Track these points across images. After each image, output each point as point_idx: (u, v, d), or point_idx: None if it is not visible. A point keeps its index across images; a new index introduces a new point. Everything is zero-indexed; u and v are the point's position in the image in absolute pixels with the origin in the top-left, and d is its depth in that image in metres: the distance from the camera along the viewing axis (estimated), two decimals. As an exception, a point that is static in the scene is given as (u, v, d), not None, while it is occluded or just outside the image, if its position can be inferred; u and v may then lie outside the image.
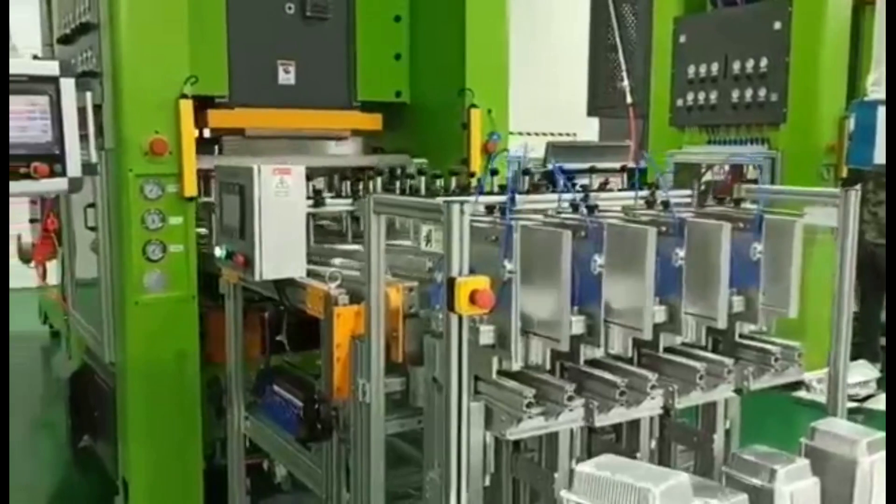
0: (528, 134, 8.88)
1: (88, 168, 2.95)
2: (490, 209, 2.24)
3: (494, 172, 3.37)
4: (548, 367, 2.13)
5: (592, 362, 2.23)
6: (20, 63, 2.77)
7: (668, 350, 2.37)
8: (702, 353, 2.39)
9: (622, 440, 2.53)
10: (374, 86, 4.32)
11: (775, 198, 2.72)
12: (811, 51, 5.48)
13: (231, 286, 3.12)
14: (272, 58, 4.02)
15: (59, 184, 2.87)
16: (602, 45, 7.12)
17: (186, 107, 3.34)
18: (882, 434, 2.22)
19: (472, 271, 1.85)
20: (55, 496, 4.14)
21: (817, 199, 2.61)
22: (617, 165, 3.56)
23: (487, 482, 2.12)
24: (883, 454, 2.18)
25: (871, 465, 2.16)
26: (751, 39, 5.83)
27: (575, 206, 2.56)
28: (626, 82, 6.77)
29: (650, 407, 2.23)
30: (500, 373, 2.08)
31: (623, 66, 6.84)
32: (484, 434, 2.06)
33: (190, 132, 3.35)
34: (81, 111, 2.91)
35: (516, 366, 2.02)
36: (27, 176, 2.77)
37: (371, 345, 2.14)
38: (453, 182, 3.33)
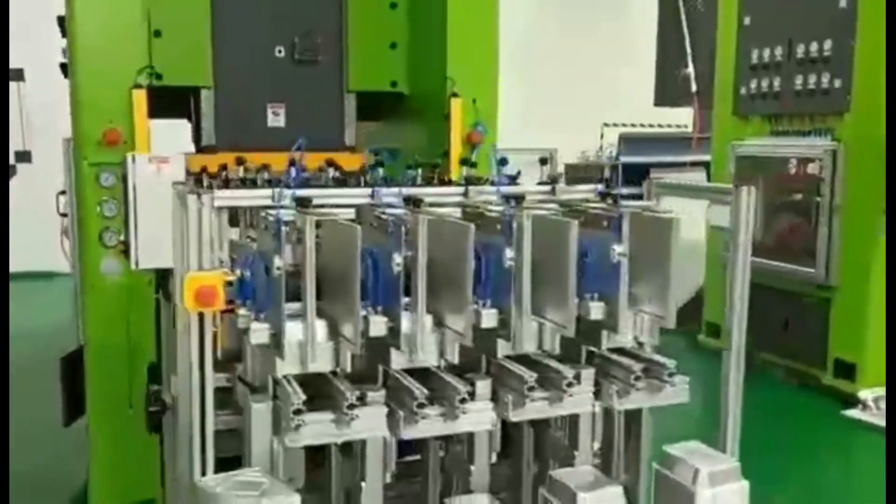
0: (616, 125, 8.54)
1: (22, 156, 3.07)
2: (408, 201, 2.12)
3: (466, 163, 3.26)
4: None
5: (424, 370, 2.09)
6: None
7: (521, 359, 2.19)
8: (553, 363, 2.18)
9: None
10: (368, 76, 4.24)
11: (664, 192, 2.44)
12: (878, 31, 4.91)
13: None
14: (261, 101, 3.99)
15: (-8, 172, 3.01)
16: (670, 34, 6.73)
17: (140, 97, 3.42)
18: (734, 465, 1.94)
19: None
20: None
21: (711, 196, 2.32)
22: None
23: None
24: (732, 486, 1.91)
25: (713, 498, 1.89)
26: (816, 20, 5.31)
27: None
28: (690, 69, 6.35)
29: (474, 421, 2.06)
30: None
31: (689, 53, 6.42)
32: (271, 439, 1.98)
33: (143, 122, 3.43)
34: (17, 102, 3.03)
35: (295, 369, 1.92)
36: (-43, 164, 2.93)
37: (179, 338, 2.09)
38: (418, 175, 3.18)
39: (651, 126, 8.22)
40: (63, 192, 3.64)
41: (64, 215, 3.70)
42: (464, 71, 3.95)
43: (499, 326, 2.08)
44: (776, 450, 4.43)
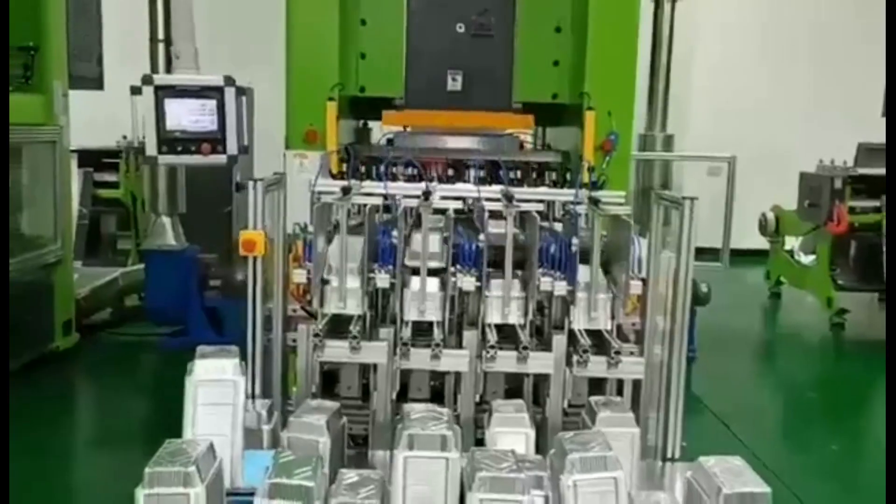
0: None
1: (243, 149, 4.30)
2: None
3: (592, 170, 3.99)
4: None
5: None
6: (198, 77, 4.21)
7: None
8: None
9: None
10: (532, 89, 4.95)
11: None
12: None
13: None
14: (443, 67, 4.91)
15: (220, 159, 4.27)
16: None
17: (332, 107, 4.48)
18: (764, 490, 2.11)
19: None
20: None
21: (664, 202, 2.78)
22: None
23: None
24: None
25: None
26: None
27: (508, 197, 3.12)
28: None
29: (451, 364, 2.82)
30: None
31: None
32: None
33: (333, 126, 4.49)
34: (239, 111, 4.26)
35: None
36: (197, 152, 4.22)
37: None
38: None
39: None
40: (251, 179, 4.84)
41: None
42: (601, 85, 4.52)
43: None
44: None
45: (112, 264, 7.45)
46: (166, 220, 6.31)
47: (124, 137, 7.87)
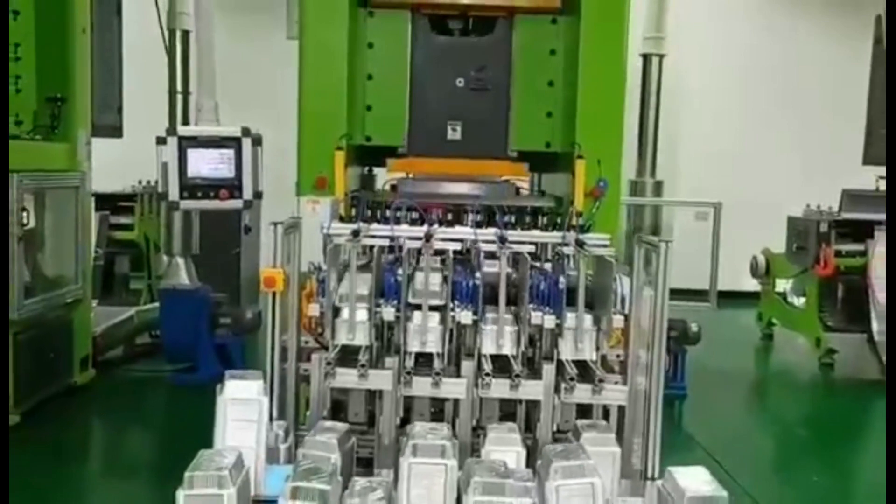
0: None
1: (257, 195, 4.63)
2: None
3: (580, 215, 4.32)
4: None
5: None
6: (218, 129, 4.56)
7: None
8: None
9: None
10: (527, 138, 5.29)
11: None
12: None
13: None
14: (444, 118, 5.26)
15: (237, 203, 4.60)
16: (880, 87, 6.89)
17: (339, 156, 4.81)
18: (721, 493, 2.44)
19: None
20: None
21: (645, 245, 3.09)
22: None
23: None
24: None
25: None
26: None
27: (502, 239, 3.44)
28: (889, 130, 6.50)
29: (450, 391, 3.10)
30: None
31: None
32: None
33: (341, 173, 4.81)
34: (255, 159, 4.60)
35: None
36: (216, 197, 4.55)
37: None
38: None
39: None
40: (273, 223, 5.16)
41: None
42: (591, 135, 4.85)
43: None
44: None
45: (125, 303, 7.73)
46: (181, 261, 6.61)
47: (139, 182, 8.25)
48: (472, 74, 5.09)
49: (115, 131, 6.82)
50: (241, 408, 2.53)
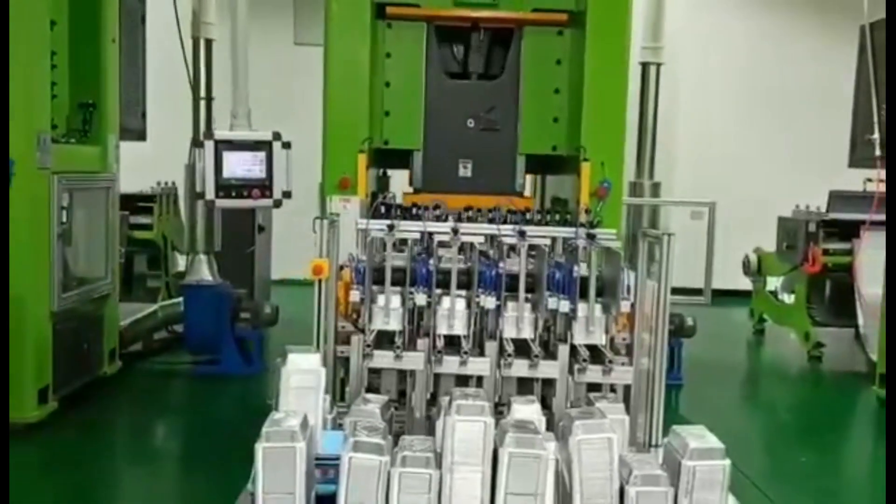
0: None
1: (286, 194, 4.98)
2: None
3: (588, 212, 4.69)
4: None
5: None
6: (251, 133, 4.92)
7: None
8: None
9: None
10: (535, 142, 5.66)
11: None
12: None
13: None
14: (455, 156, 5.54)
15: (268, 202, 4.96)
16: (865, 95, 7.28)
17: (362, 158, 5.16)
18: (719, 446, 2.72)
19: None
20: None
21: (649, 239, 3.46)
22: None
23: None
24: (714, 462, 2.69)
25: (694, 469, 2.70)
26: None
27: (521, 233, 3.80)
28: (875, 136, 6.90)
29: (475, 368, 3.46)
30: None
31: (875, 118, 6.97)
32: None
33: (363, 174, 5.17)
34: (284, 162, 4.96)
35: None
36: (249, 197, 4.91)
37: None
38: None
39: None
40: (317, 217, 5.53)
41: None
42: (595, 139, 5.22)
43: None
44: None
45: (143, 300, 8.07)
46: (203, 258, 6.96)
47: (158, 183, 8.59)
48: (481, 115, 5.44)
49: (140, 135, 7.15)
50: (303, 377, 2.88)
